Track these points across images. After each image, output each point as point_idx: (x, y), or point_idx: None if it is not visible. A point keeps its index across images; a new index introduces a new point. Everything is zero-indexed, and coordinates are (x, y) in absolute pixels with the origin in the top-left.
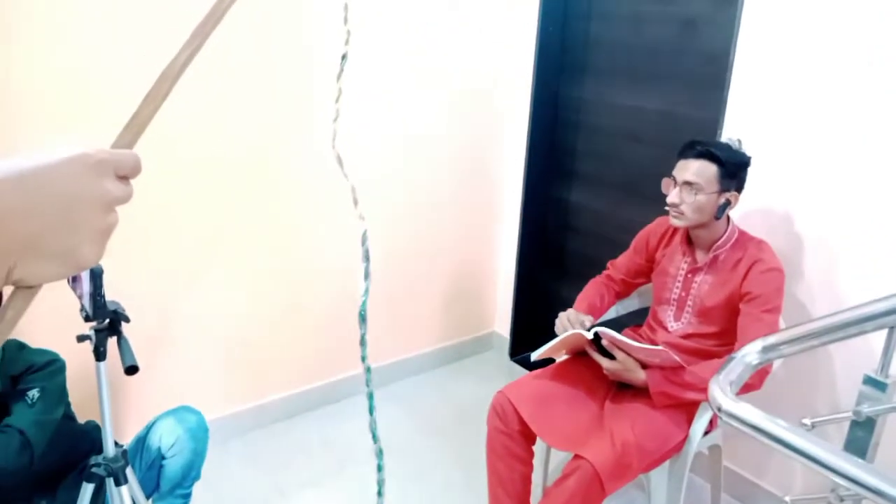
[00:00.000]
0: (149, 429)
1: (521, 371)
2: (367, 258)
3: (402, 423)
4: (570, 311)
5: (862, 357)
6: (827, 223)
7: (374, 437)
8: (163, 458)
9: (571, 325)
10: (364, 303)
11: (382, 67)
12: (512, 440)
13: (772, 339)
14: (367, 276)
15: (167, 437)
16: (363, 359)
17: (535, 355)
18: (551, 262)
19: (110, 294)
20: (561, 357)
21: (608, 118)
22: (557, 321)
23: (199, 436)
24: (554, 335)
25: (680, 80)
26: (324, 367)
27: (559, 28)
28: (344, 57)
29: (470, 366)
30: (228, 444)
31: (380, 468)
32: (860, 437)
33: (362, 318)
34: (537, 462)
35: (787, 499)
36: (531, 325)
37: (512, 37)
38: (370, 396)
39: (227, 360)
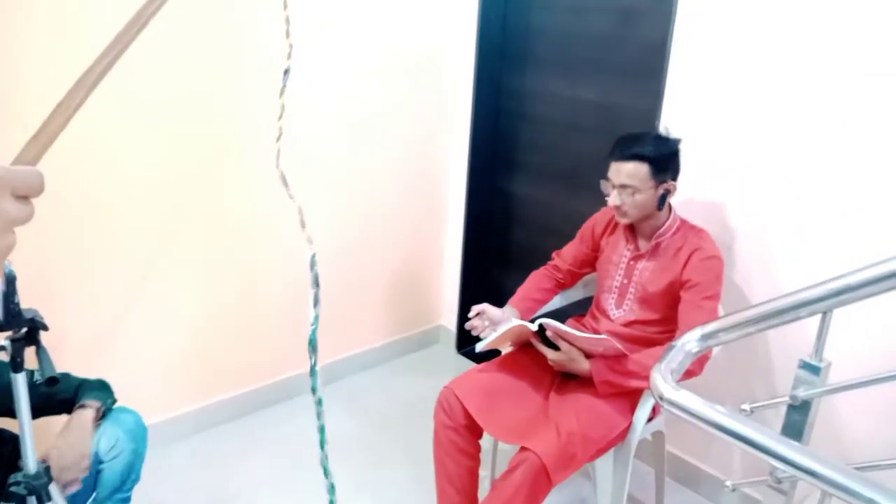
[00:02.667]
0: None
1: (468, 364)
2: (316, 283)
3: (349, 420)
4: (484, 307)
5: (799, 342)
6: (763, 211)
7: (326, 473)
8: (101, 462)
9: (481, 327)
10: (314, 331)
11: (324, 60)
12: (458, 434)
13: (710, 327)
14: (316, 302)
15: (105, 441)
16: (313, 389)
17: (480, 347)
18: (497, 254)
19: (43, 298)
20: (506, 349)
21: (550, 108)
22: (468, 323)
23: (139, 435)
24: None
25: (619, 70)
26: (273, 365)
27: (500, 17)
28: (286, 72)
29: (417, 360)
30: (173, 448)
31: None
32: (797, 420)
33: (312, 348)
34: (485, 456)
35: (727, 483)
36: None
37: (453, 27)
38: (321, 430)
39: (171, 361)
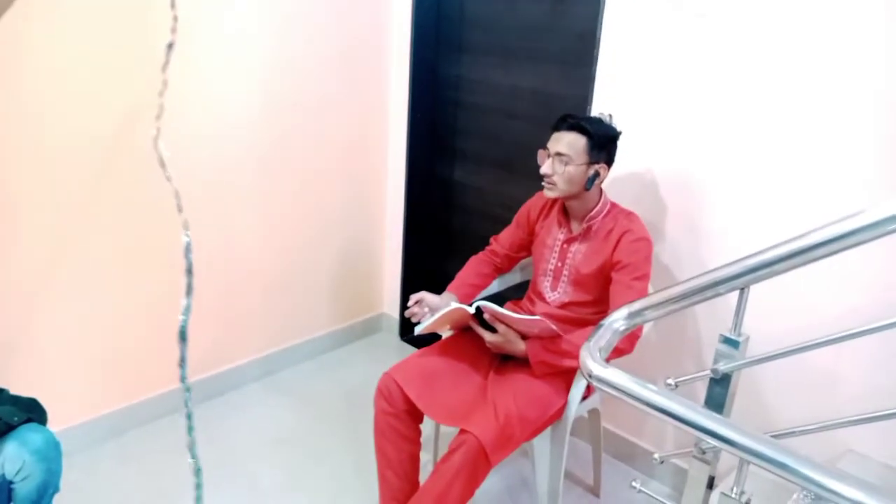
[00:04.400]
0: None
1: (411, 351)
2: (189, 271)
3: (290, 411)
4: (423, 295)
5: (724, 317)
6: (690, 193)
7: (193, 455)
8: (11, 483)
9: (420, 314)
10: (185, 321)
11: (251, 44)
12: (398, 420)
13: (637, 305)
14: (189, 291)
15: (11, 465)
16: (182, 379)
17: (419, 329)
18: (437, 241)
19: None
20: (446, 332)
21: (486, 96)
22: (407, 311)
23: (50, 455)
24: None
25: (552, 58)
26: (203, 360)
27: (434, 6)
28: (170, 46)
29: (360, 349)
30: (102, 447)
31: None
32: (718, 392)
33: (182, 337)
34: (427, 440)
35: (656, 455)
36: None
37: (388, 14)
38: (189, 416)
39: (95, 360)
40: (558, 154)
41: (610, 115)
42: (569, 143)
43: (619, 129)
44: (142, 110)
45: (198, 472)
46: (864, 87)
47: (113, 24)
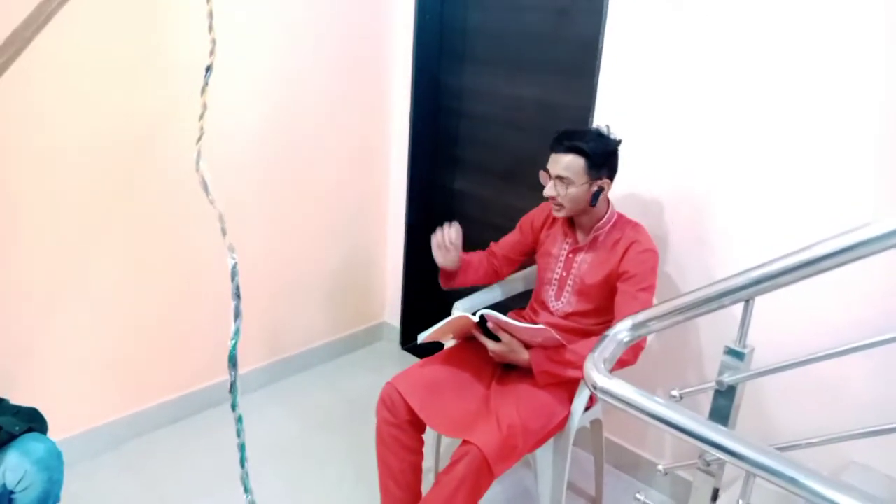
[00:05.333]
0: None
1: (412, 360)
2: (237, 295)
3: (292, 420)
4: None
5: (727, 328)
6: (695, 205)
7: (246, 490)
8: (11, 493)
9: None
10: (234, 345)
11: (254, 57)
12: (401, 430)
13: (641, 317)
14: (237, 315)
15: (12, 474)
16: (234, 407)
17: (422, 338)
18: None
19: None
20: (448, 342)
21: (488, 106)
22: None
23: (52, 464)
24: (441, 319)
25: (555, 68)
26: (205, 370)
27: (437, 16)
28: (209, 69)
29: (360, 358)
30: (103, 456)
31: None
32: (723, 404)
33: (232, 363)
34: (429, 450)
35: (659, 467)
36: (421, 313)
37: (391, 25)
38: (242, 448)
39: (95, 369)
40: (559, 177)
41: (608, 126)
42: (567, 165)
43: (618, 138)
44: (157, 118)
45: None
46: (867, 99)
47: (138, 36)
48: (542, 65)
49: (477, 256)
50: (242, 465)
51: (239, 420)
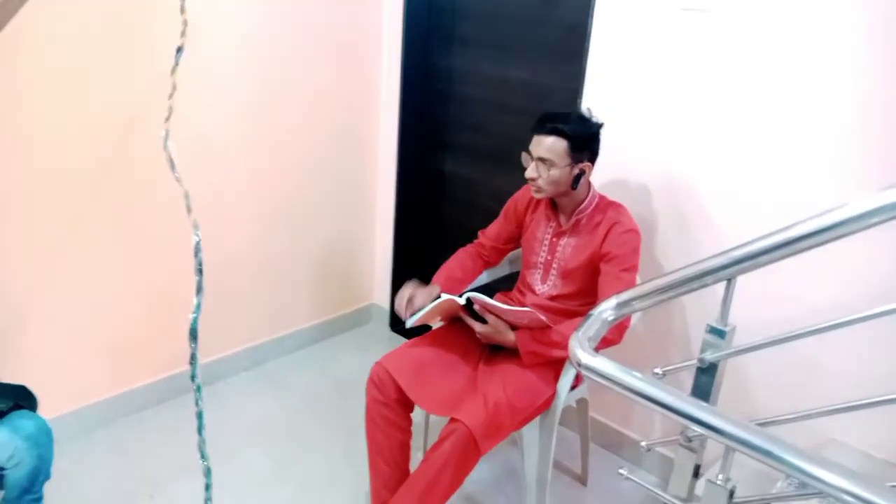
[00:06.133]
0: None
1: (401, 341)
2: (199, 271)
3: (280, 401)
4: (409, 286)
5: (711, 307)
6: (679, 186)
7: (203, 456)
8: (2, 469)
9: (405, 307)
10: (195, 319)
11: (241, 36)
12: (389, 409)
13: (625, 296)
14: (199, 290)
15: (2, 451)
16: (192, 377)
17: (410, 322)
18: (428, 232)
19: None
20: (436, 323)
21: (478, 88)
22: (396, 301)
23: (42, 441)
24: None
25: (543, 50)
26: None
27: None
28: (179, 49)
29: (349, 339)
30: (93, 435)
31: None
32: (705, 381)
33: (193, 335)
34: (417, 429)
35: (643, 443)
36: None
37: (380, 6)
38: (199, 416)
39: (86, 348)
40: (540, 159)
41: (589, 109)
42: (549, 147)
43: (600, 122)
44: (145, 106)
45: (208, 472)
46: (844, 85)
47: (115, 20)
48: (530, 47)
49: (461, 264)
50: (200, 433)
51: (198, 389)
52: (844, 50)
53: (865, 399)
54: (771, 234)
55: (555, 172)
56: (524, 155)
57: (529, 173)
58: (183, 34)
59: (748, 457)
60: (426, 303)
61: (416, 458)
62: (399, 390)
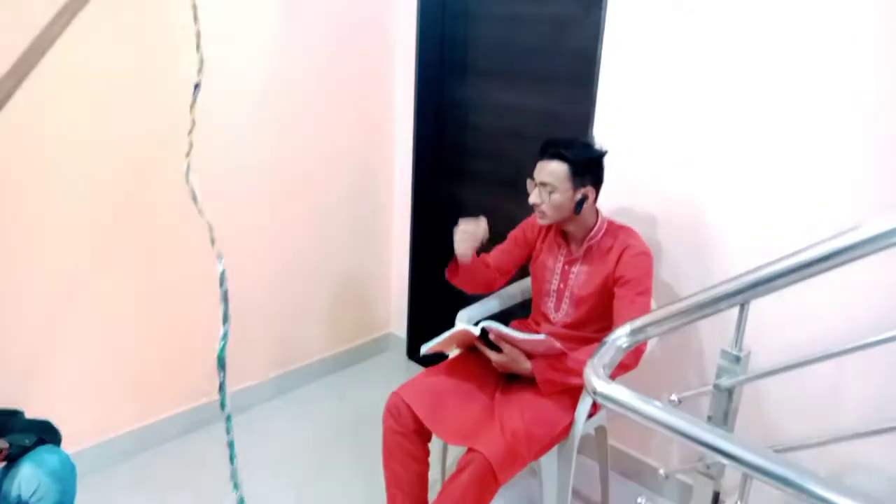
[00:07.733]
0: (2, 476)
1: (418, 370)
2: (225, 300)
3: (300, 431)
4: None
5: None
6: (691, 210)
7: (235, 486)
8: (26, 503)
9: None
10: (223, 347)
11: (260, 71)
12: (407, 439)
13: (639, 322)
14: (226, 318)
15: (27, 485)
16: (222, 406)
17: (425, 349)
18: (444, 260)
19: None
20: (452, 352)
21: (491, 117)
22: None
23: (65, 475)
24: (446, 329)
25: (555, 78)
26: (216, 381)
27: (439, 29)
28: (197, 86)
29: (367, 368)
30: (116, 469)
31: None
32: (721, 407)
33: (220, 364)
34: (435, 459)
35: (661, 471)
36: (427, 323)
37: (394, 38)
38: (231, 445)
39: (108, 382)
40: (542, 183)
41: (593, 136)
42: (551, 171)
43: (604, 149)
44: (167, 136)
45: (241, 502)
46: (857, 105)
47: (140, 58)
48: (542, 75)
49: (483, 263)
50: (232, 462)
51: (228, 419)
52: (862, 70)
53: (888, 423)
54: (784, 258)
55: (556, 197)
56: (529, 181)
57: (533, 199)
58: (200, 70)
59: (767, 484)
60: (470, 229)
61: (434, 491)
62: (416, 420)
